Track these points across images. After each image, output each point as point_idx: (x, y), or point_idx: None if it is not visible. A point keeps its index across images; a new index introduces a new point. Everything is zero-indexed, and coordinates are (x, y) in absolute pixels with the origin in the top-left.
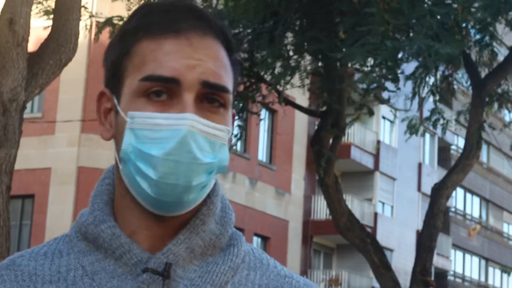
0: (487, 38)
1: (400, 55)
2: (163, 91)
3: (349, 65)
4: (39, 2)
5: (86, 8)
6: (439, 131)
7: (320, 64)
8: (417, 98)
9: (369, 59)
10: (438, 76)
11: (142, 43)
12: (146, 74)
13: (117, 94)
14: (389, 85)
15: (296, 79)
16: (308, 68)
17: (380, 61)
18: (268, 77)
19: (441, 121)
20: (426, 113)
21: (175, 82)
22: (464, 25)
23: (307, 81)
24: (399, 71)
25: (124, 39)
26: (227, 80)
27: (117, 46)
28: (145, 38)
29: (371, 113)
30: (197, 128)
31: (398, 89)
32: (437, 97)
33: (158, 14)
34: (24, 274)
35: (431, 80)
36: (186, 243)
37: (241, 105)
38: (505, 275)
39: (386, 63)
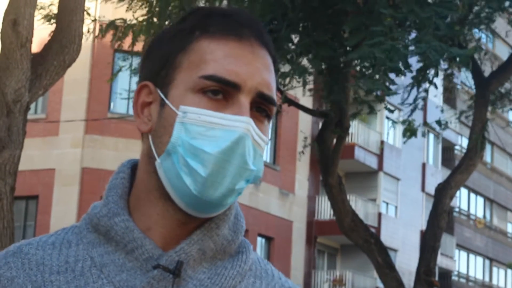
0: (482, 33)
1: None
2: (220, 91)
3: (358, 68)
4: (41, 7)
5: (89, 14)
6: (439, 130)
7: (323, 65)
8: (421, 101)
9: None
10: (440, 74)
11: (200, 41)
12: (208, 73)
13: (164, 88)
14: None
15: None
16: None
17: (389, 65)
18: None
19: (442, 120)
20: (429, 115)
21: (235, 87)
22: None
23: (310, 78)
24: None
25: (180, 36)
26: (275, 93)
27: (169, 42)
28: (204, 37)
29: (371, 110)
30: (250, 133)
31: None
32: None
33: (219, 16)
34: (31, 262)
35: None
36: (199, 244)
37: None
38: (509, 275)
39: (392, 68)
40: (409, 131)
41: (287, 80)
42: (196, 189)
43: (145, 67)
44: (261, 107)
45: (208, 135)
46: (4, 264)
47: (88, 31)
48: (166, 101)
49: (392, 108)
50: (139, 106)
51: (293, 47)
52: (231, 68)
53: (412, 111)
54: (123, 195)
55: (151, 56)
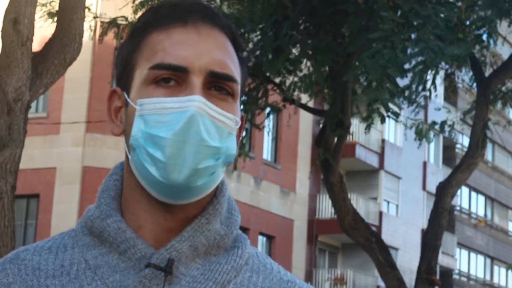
0: (485, 35)
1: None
2: (171, 78)
3: (360, 78)
4: (43, 5)
5: (89, 9)
6: (446, 133)
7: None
8: (422, 99)
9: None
10: (440, 73)
11: (151, 36)
12: (155, 62)
13: (127, 89)
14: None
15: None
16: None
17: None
18: (274, 78)
19: (448, 123)
20: (431, 114)
21: (183, 71)
22: (467, 23)
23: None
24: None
25: (134, 36)
26: (235, 70)
27: (127, 44)
28: (155, 30)
29: (382, 120)
30: (204, 110)
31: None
32: (436, 93)
33: (167, 8)
34: (27, 268)
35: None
36: (190, 241)
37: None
38: (510, 274)
39: (392, 78)
40: (420, 135)
41: (296, 91)
42: (161, 175)
43: (114, 73)
44: (220, 86)
45: (164, 121)
46: (1, 270)
47: (91, 28)
48: (128, 99)
49: (397, 109)
50: (112, 112)
51: (295, 50)
52: (177, 53)
53: (415, 108)
54: (116, 197)
55: (116, 62)
